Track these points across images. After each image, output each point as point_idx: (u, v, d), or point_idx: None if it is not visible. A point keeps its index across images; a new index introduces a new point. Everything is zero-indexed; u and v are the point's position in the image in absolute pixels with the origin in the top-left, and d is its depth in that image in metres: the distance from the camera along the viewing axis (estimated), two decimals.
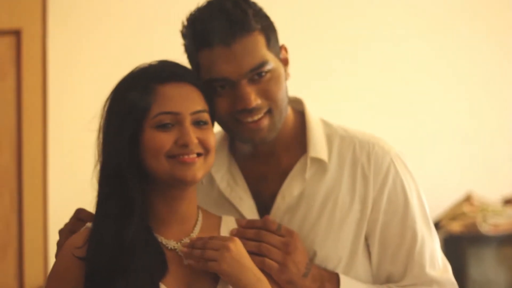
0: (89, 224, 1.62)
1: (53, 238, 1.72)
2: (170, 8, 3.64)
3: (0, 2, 3.53)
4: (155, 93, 1.59)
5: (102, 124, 1.63)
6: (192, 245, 1.60)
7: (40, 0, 3.59)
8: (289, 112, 1.77)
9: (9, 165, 3.57)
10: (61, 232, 1.73)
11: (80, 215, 1.71)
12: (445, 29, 4.05)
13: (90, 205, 1.66)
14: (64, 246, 1.61)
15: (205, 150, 1.61)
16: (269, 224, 1.70)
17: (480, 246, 3.62)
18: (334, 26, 3.93)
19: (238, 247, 1.59)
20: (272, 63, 1.68)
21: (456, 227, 3.66)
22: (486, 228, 3.65)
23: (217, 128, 1.74)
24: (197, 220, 1.67)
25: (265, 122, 1.69)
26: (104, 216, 1.59)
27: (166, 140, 1.58)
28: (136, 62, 1.67)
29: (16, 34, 3.57)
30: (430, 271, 1.74)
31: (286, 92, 1.73)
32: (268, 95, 1.67)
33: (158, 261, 1.58)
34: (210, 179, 1.81)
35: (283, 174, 1.78)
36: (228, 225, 1.71)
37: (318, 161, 1.76)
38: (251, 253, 1.64)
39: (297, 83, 1.90)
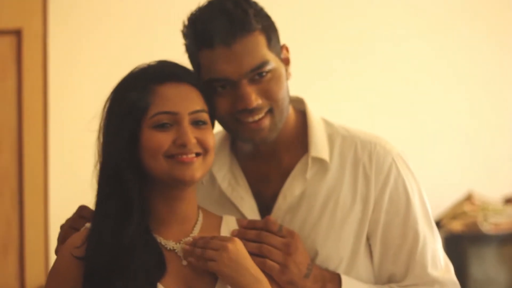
0: (88, 225, 1.63)
1: (54, 237, 1.72)
2: (170, 8, 3.64)
3: (1, 2, 3.53)
4: (154, 93, 1.59)
5: (102, 124, 1.63)
6: (194, 244, 1.60)
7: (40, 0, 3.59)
8: (290, 112, 1.77)
9: (10, 165, 3.57)
10: (62, 227, 1.74)
11: (82, 213, 1.71)
12: (446, 29, 4.05)
13: (90, 205, 1.66)
14: (64, 245, 1.62)
15: (204, 150, 1.61)
16: (270, 225, 1.69)
17: (481, 245, 3.62)
18: (335, 26, 3.93)
19: (237, 247, 1.59)
20: (273, 63, 1.68)
21: (457, 226, 3.67)
22: (487, 227, 3.65)
23: (218, 128, 1.74)
24: (197, 220, 1.67)
25: (266, 122, 1.69)
26: (103, 216, 1.59)
27: (164, 140, 1.58)
28: (136, 62, 1.67)
29: (17, 33, 3.57)
30: (432, 271, 1.74)
31: (287, 91, 1.73)
32: (269, 95, 1.67)
33: (157, 261, 1.58)
34: (212, 178, 1.81)
35: (285, 174, 1.78)
36: (228, 225, 1.71)
37: (319, 161, 1.76)
38: (252, 254, 1.64)
39: (297, 83, 1.90)
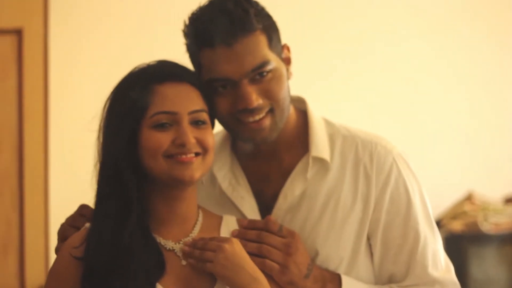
0: (88, 225, 1.63)
1: (54, 237, 1.72)
2: (170, 8, 3.64)
3: (1, 1, 3.52)
4: (153, 93, 1.59)
5: (101, 124, 1.63)
6: (193, 245, 1.61)
7: None
8: (291, 111, 1.77)
9: (10, 164, 3.57)
10: (62, 225, 1.73)
11: (82, 211, 1.70)
12: (446, 29, 4.06)
13: (91, 205, 1.66)
14: (63, 246, 1.62)
15: (204, 150, 1.61)
16: (270, 225, 1.69)
17: (481, 245, 3.62)
18: (335, 26, 3.93)
19: (234, 248, 1.58)
20: (274, 62, 1.67)
21: (457, 226, 3.67)
22: (487, 227, 3.66)
23: (218, 127, 1.74)
24: (197, 220, 1.67)
25: (267, 122, 1.68)
26: (103, 216, 1.59)
27: (163, 139, 1.58)
28: (137, 62, 1.67)
29: (18, 33, 3.57)
30: (432, 271, 1.74)
31: (288, 91, 1.73)
32: (269, 95, 1.67)
33: (156, 261, 1.58)
34: (212, 178, 1.81)
35: (285, 174, 1.77)
36: (229, 225, 1.71)
37: (320, 161, 1.76)
38: (252, 254, 1.64)
39: (298, 82, 1.90)
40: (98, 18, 3.68)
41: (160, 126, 1.58)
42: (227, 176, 1.80)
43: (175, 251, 1.62)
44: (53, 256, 1.67)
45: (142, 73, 1.63)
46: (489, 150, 4.07)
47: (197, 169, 1.59)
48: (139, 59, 1.68)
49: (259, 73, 1.66)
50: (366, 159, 1.75)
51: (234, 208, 1.78)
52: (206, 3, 1.70)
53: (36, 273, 3.53)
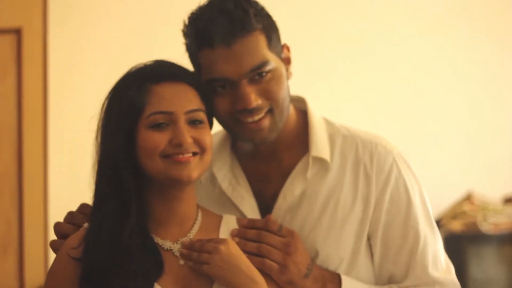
0: (86, 225, 1.63)
1: (53, 237, 1.72)
2: (170, 8, 3.64)
3: (1, 1, 3.53)
4: (150, 93, 1.59)
5: (99, 124, 1.63)
6: (191, 247, 1.61)
7: None
8: (291, 111, 1.77)
9: (10, 164, 3.57)
10: (57, 222, 1.72)
11: (83, 210, 1.70)
12: (446, 29, 4.05)
13: (91, 204, 1.66)
14: (62, 246, 1.61)
15: (201, 149, 1.60)
16: (270, 224, 1.69)
17: (481, 245, 3.62)
18: (335, 26, 3.93)
19: (229, 249, 1.59)
20: (273, 63, 1.67)
21: (456, 226, 3.66)
22: (486, 227, 3.65)
23: (218, 127, 1.74)
24: (195, 220, 1.67)
25: (266, 122, 1.68)
26: (101, 216, 1.59)
27: (160, 139, 1.58)
28: (137, 61, 1.67)
29: (17, 32, 3.57)
30: (432, 271, 1.74)
31: (288, 91, 1.73)
32: (268, 95, 1.67)
33: (154, 261, 1.58)
34: (212, 178, 1.81)
35: (285, 174, 1.77)
36: (228, 224, 1.71)
37: (320, 161, 1.76)
38: (251, 254, 1.64)
39: (297, 82, 1.90)
40: (97, 17, 3.68)
41: (157, 126, 1.58)
42: (227, 176, 1.80)
43: (173, 251, 1.62)
44: (52, 256, 1.66)
45: (139, 73, 1.63)
46: (489, 150, 4.07)
47: (194, 168, 1.59)
48: (139, 59, 1.68)
49: (258, 73, 1.66)
50: (366, 159, 1.75)
51: (234, 208, 1.78)
52: (206, 3, 1.70)
53: (35, 273, 3.53)
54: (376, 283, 1.77)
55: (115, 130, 1.59)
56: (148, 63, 1.65)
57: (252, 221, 1.72)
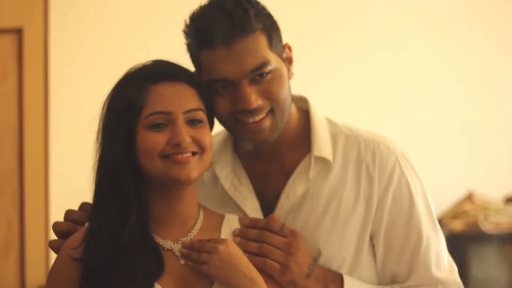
0: (87, 225, 1.62)
1: (54, 237, 1.72)
2: (170, 8, 3.64)
3: (2, 0, 3.52)
4: (148, 93, 1.59)
5: (100, 124, 1.63)
6: (191, 247, 1.61)
7: None
8: (293, 111, 1.76)
9: (11, 164, 3.56)
10: (56, 221, 1.72)
11: (83, 208, 1.70)
12: (446, 29, 4.06)
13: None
14: (62, 246, 1.61)
15: (200, 149, 1.60)
16: (272, 224, 1.69)
17: (482, 244, 3.62)
18: (335, 26, 3.93)
19: (228, 249, 1.58)
20: (274, 63, 1.67)
21: (457, 225, 3.66)
22: (487, 226, 3.66)
23: (219, 127, 1.74)
24: (197, 219, 1.66)
25: (267, 122, 1.68)
26: (101, 216, 1.59)
27: (159, 140, 1.57)
28: (137, 61, 1.67)
29: (18, 32, 3.56)
30: (435, 271, 1.73)
31: (289, 91, 1.72)
32: (269, 95, 1.67)
33: (155, 261, 1.58)
34: (214, 178, 1.81)
35: (287, 173, 1.77)
36: (230, 224, 1.70)
37: (322, 160, 1.75)
38: (253, 253, 1.64)
39: (298, 82, 1.90)
40: (98, 17, 3.68)
41: (156, 127, 1.58)
42: (229, 176, 1.80)
43: (174, 251, 1.61)
44: (53, 256, 1.66)
45: (138, 73, 1.63)
46: (489, 150, 4.07)
47: (194, 168, 1.59)
48: (139, 59, 1.67)
49: (259, 74, 1.65)
50: (368, 158, 1.75)
51: (236, 208, 1.77)
52: (207, 3, 1.69)
53: (36, 273, 3.53)
54: (379, 283, 1.76)
55: (114, 130, 1.59)
56: (147, 63, 1.65)
57: (254, 220, 1.72)
